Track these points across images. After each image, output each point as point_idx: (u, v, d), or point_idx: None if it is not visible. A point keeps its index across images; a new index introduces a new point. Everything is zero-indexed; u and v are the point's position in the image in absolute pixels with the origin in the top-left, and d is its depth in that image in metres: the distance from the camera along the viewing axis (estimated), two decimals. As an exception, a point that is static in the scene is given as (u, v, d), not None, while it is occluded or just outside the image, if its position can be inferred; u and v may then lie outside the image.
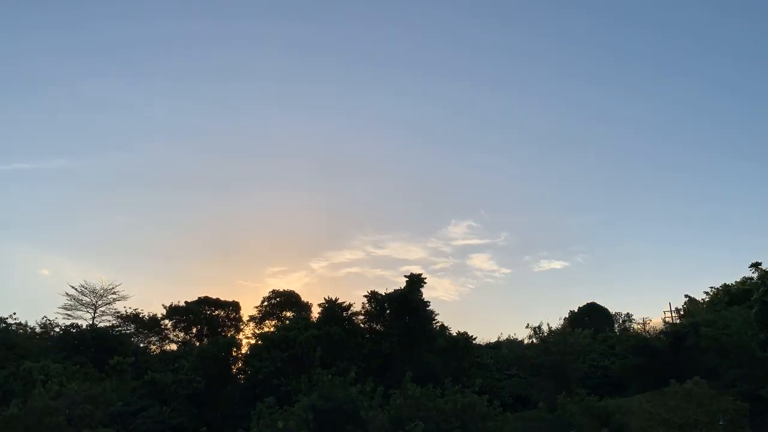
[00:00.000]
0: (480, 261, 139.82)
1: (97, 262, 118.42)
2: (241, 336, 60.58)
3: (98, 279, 79.39)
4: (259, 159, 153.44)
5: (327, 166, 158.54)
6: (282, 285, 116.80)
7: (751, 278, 57.65)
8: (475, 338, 47.49)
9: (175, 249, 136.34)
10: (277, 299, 67.49)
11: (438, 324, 45.94)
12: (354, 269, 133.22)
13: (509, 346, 57.66)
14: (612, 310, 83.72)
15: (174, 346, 61.14)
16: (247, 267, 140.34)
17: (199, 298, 64.52)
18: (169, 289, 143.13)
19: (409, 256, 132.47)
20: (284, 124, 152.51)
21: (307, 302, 65.68)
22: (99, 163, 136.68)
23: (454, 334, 46.45)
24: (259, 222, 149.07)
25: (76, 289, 55.28)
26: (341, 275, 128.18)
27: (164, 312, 62.64)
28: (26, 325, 51.35)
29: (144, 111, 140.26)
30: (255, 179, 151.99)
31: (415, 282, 45.27)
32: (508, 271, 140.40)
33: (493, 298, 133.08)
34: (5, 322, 48.86)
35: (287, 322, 55.22)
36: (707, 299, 63.37)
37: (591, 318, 76.17)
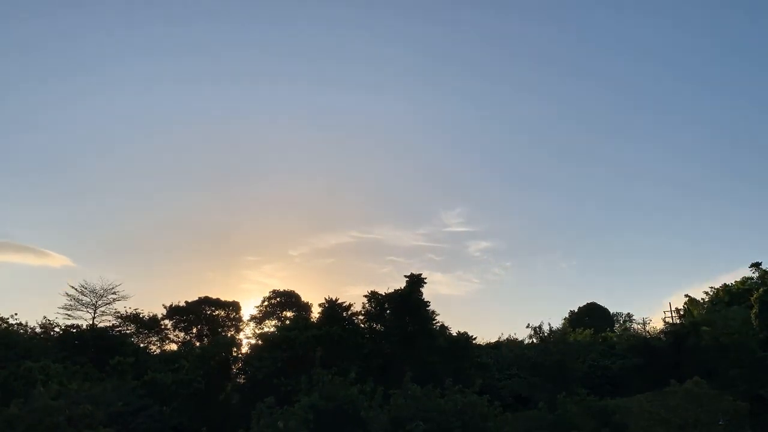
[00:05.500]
0: (478, 251, 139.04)
1: (97, 262, 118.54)
2: (241, 336, 60.71)
3: (98, 279, 79.32)
4: (246, 149, 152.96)
5: (313, 155, 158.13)
6: (268, 274, 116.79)
7: (751, 278, 57.98)
8: (475, 338, 47.71)
9: (174, 247, 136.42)
10: (278, 299, 67.67)
11: (438, 324, 46.02)
12: (339, 257, 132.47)
13: (509, 346, 57.75)
14: (612, 310, 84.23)
15: (174, 346, 61.17)
16: (233, 258, 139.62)
17: (199, 298, 64.70)
18: (169, 289, 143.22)
19: (399, 243, 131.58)
20: (272, 115, 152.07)
21: (307, 302, 65.92)
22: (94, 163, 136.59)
23: (454, 333, 46.56)
24: (246, 213, 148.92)
25: (76, 289, 55.39)
26: (326, 264, 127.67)
27: (164, 312, 62.76)
28: (26, 325, 51.39)
29: (134, 110, 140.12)
30: (243, 170, 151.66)
31: (416, 282, 45.35)
32: (508, 264, 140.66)
33: (492, 291, 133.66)
34: (6, 322, 48.88)
35: (287, 322, 55.32)
36: (707, 299, 63.49)
37: (591, 318, 76.50)
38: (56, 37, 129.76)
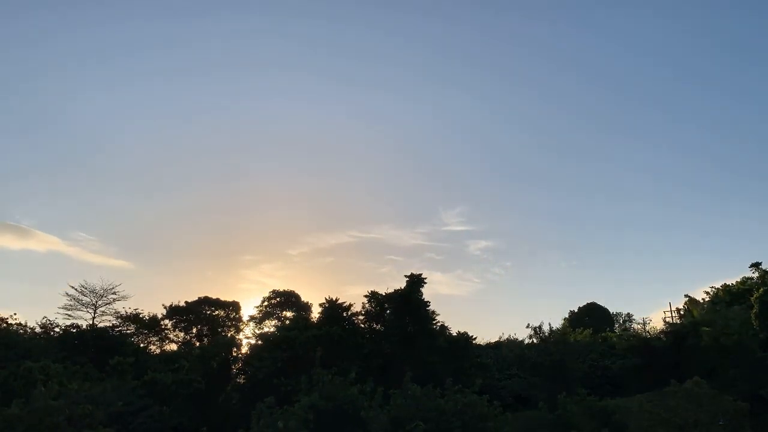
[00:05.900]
0: (478, 251, 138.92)
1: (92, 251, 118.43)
2: (241, 336, 60.70)
3: (98, 278, 79.44)
4: (246, 148, 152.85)
5: (313, 154, 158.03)
6: (267, 274, 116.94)
7: (751, 278, 57.83)
8: (475, 338, 47.71)
9: (173, 246, 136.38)
10: (277, 299, 67.66)
11: (438, 324, 46.02)
12: (338, 257, 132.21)
13: (509, 346, 57.78)
14: (612, 310, 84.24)
15: (174, 346, 61.17)
16: (232, 258, 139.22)
17: (199, 298, 64.66)
18: (168, 288, 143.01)
19: (399, 242, 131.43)
20: (270, 113, 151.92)
21: (307, 302, 65.94)
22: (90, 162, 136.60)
23: (454, 333, 46.56)
24: (245, 212, 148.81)
25: (76, 289, 55.42)
26: (325, 263, 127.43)
27: (164, 312, 62.75)
28: (26, 325, 51.41)
29: (131, 106, 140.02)
30: (242, 168, 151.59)
31: (416, 282, 45.35)
32: (508, 264, 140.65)
33: (492, 291, 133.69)
34: (5, 322, 48.88)
35: (287, 322, 55.33)
36: (707, 299, 63.39)
37: (591, 318, 76.43)
38: (60, 30, 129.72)
